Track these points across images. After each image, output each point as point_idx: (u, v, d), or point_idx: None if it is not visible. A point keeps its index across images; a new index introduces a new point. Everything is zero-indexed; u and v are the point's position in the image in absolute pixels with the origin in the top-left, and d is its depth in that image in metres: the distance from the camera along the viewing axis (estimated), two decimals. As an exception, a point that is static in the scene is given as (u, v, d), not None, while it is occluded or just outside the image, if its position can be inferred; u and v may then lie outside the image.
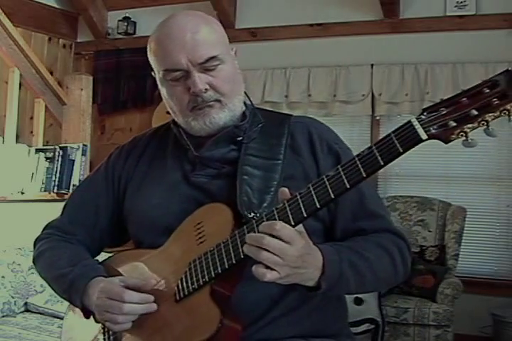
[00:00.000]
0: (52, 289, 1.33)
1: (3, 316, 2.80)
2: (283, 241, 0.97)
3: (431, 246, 3.98)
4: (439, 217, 4.06)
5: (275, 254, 0.97)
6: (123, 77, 5.40)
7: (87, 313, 1.23)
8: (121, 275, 1.25)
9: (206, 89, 1.17)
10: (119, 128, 5.50)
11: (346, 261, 1.09)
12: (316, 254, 1.04)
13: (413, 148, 0.93)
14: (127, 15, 5.39)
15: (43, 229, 1.43)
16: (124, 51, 5.40)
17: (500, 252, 4.22)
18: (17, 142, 3.47)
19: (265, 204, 1.14)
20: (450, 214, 4.02)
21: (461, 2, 4.31)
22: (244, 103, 1.29)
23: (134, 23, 5.41)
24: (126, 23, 5.37)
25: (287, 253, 0.97)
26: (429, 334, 3.60)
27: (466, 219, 3.98)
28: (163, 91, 1.23)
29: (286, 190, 1.03)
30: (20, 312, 2.90)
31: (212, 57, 1.17)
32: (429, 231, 4.09)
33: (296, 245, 0.98)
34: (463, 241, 3.96)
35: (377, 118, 4.59)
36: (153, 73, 1.27)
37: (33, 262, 1.38)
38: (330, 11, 4.65)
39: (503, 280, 4.16)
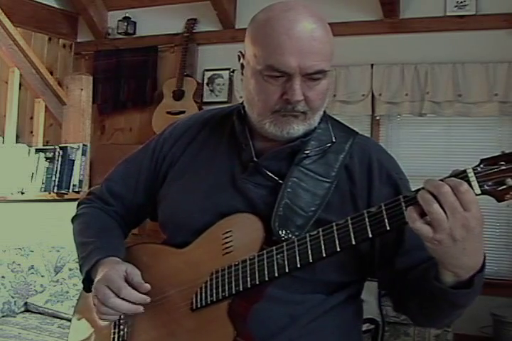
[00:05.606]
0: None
1: (3, 316, 2.80)
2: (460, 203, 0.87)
3: (431, 246, 3.98)
4: (439, 217, 4.05)
5: (444, 211, 0.87)
6: (123, 77, 5.40)
7: (88, 287, 1.22)
8: (137, 267, 1.20)
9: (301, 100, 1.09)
10: (119, 128, 5.51)
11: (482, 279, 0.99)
12: (481, 247, 0.93)
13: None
14: (127, 15, 5.39)
15: (88, 194, 1.41)
16: (124, 51, 5.40)
17: (500, 252, 4.21)
18: (17, 142, 3.48)
19: (299, 224, 1.09)
20: (450, 214, 4.01)
21: (461, 2, 4.30)
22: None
23: (134, 23, 5.42)
24: (126, 23, 5.38)
25: (456, 215, 0.86)
26: (429, 334, 3.59)
27: (466, 219, 3.97)
28: (250, 81, 1.12)
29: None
30: (20, 312, 2.90)
31: (322, 71, 1.09)
32: (429, 231, 4.08)
33: (471, 213, 0.87)
34: (463, 241, 3.95)
35: (377, 118, 4.59)
36: (240, 53, 1.18)
37: (71, 222, 1.38)
38: (330, 10, 4.63)
39: (503, 280, 4.15)
